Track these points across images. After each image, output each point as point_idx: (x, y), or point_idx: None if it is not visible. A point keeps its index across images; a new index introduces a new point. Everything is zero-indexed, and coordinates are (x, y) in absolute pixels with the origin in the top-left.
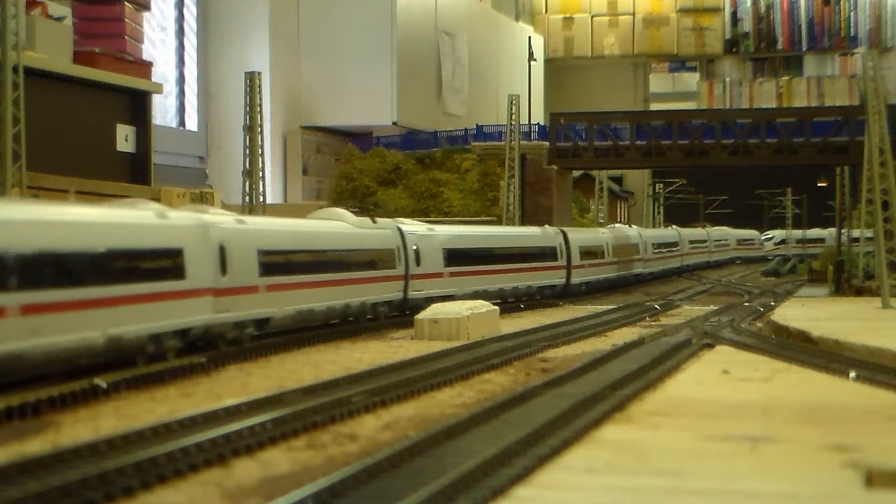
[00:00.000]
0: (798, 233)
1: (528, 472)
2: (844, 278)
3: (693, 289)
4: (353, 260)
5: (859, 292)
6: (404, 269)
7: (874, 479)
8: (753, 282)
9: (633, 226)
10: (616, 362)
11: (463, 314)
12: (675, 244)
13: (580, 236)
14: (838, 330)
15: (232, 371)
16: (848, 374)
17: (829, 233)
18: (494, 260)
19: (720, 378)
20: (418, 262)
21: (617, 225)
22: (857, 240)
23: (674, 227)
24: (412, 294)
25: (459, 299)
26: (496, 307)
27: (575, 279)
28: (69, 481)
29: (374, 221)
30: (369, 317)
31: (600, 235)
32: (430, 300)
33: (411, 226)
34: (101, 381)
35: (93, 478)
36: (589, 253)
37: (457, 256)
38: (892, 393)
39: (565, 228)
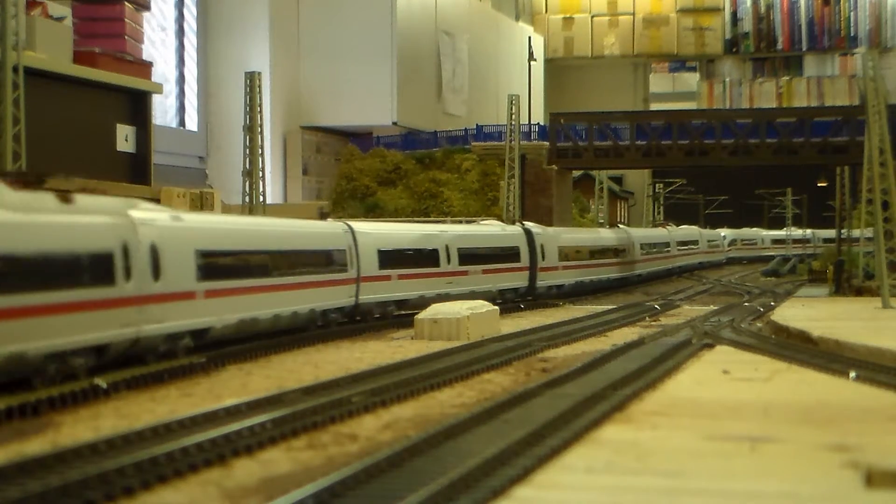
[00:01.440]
0: (751, 231)
1: (528, 472)
2: (844, 278)
3: (693, 289)
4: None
5: (859, 292)
6: (134, 289)
7: (874, 479)
8: (753, 282)
9: (528, 223)
10: (616, 362)
11: (463, 314)
12: (611, 250)
13: (381, 236)
14: (838, 330)
15: (232, 371)
16: (848, 374)
17: (755, 232)
18: (266, 270)
19: (720, 378)
20: (157, 275)
21: (491, 221)
22: (857, 239)
23: (620, 226)
24: (147, 330)
25: (218, 334)
26: (496, 307)
27: (366, 296)
28: (69, 481)
29: (68, 201)
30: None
31: (432, 235)
32: (173, 339)
33: (146, 212)
34: (101, 381)
35: (93, 478)
36: (403, 260)
37: (216, 264)
38: (892, 393)
39: (358, 223)
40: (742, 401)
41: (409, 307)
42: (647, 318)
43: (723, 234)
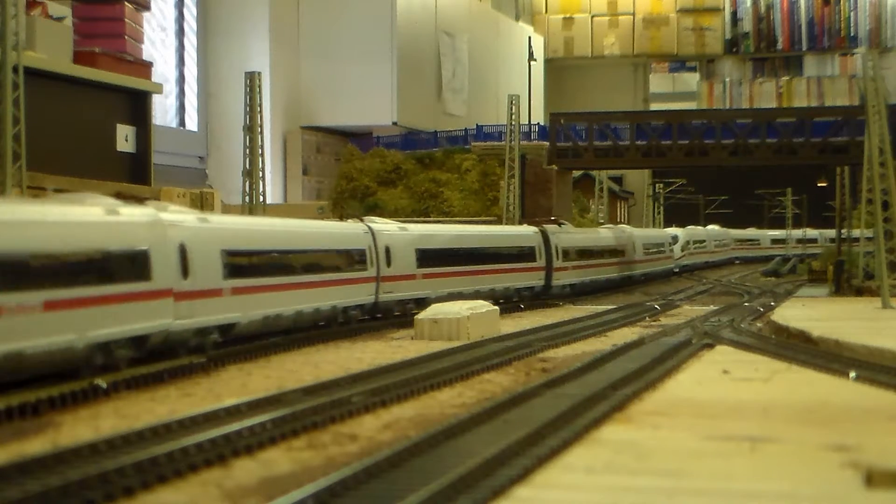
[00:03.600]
0: (705, 230)
1: (528, 472)
2: (844, 278)
3: (693, 289)
4: None
5: (859, 292)
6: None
7: (874, 479)
8: (753, 282)
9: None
10: (616, 362)
11: (463, 314)
12: (355, 259)
13: None
14: (838, 330)
15: (232, 371)
16: (848, 374)
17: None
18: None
19: (720, 378)
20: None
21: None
22: (857, 240)
23: (373, 222)
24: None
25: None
26: (496, 307)
27: None
28: (69, 481)
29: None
30: None
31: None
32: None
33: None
34: (101, 381)
35: (93, 478)
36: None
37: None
38: (892, 393)
39: None
40: (742, 401)
41: None
42: (647, 318)
43: (674, 234)
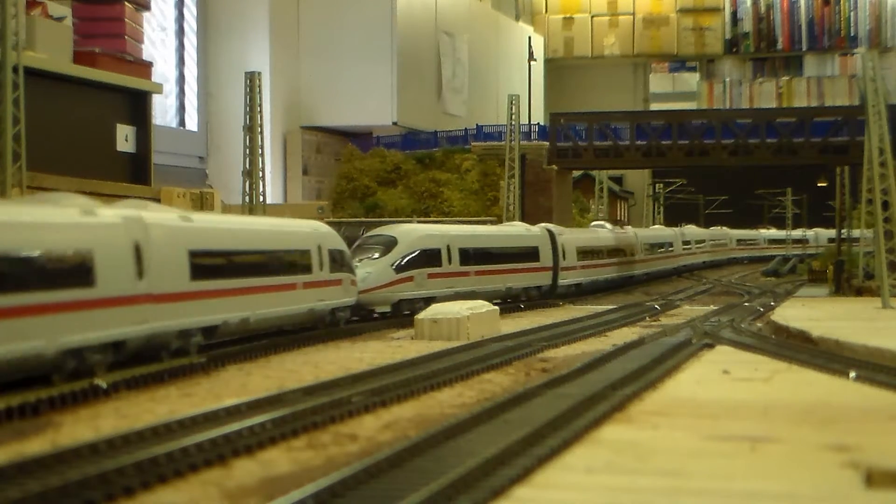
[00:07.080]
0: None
1: (528, 472)
2: (844, 278)
3: (693, 289)
4: None
5: (859, 292)
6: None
7: (874, 479)
8: (753, 282)
9: None
10: (616, 362)
11: (463, 314)
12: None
13: None
14: (838, 330)
15: (232, 371)
16: (848, 374)
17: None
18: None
19: (720, 378)
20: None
21: None
22: (855, 239)
23: None
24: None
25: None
26: (496, 307)
27: None
28: (69, 481)
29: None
30: None
31: None
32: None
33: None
34: (101, 381)
35: (93, 478)
36: None
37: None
38: (892, 393)
39: None
40: (742, 401)
41: None
42: (647, 318)
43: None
